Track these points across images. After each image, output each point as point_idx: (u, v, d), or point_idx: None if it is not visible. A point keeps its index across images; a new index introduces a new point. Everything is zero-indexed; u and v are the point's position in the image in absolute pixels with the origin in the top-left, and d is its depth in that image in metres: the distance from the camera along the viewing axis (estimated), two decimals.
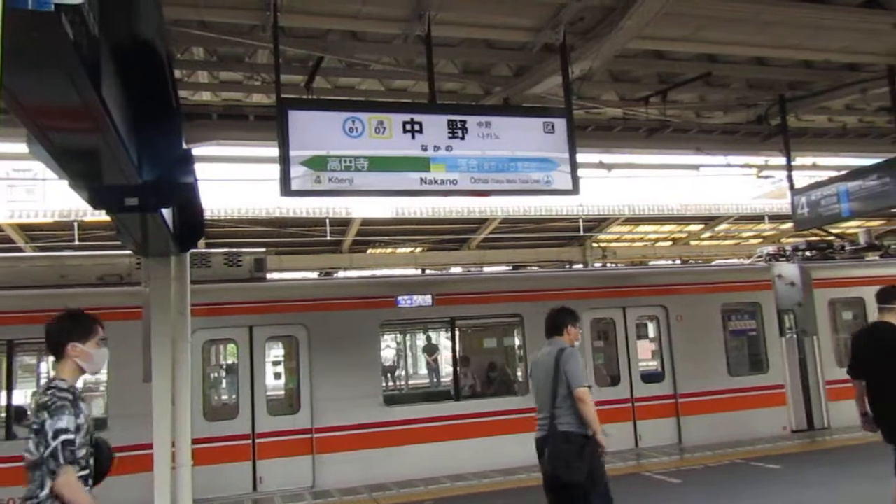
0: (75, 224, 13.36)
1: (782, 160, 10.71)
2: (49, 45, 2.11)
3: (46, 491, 3.03)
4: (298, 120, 6.02)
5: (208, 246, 13.62)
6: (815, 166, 13.07)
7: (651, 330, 12.23)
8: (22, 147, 8.64)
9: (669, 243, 20.29)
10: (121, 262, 9.63)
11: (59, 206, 13.36)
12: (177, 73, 7.77)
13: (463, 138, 6.44)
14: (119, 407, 8.80)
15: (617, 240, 19.41)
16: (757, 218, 18.52)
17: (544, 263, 18.45)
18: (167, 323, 6.25)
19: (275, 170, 6.17)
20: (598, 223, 17.67)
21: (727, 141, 11.44)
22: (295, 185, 5.95)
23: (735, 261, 14.35)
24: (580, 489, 4.90)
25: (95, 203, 4.15)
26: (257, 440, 9.41)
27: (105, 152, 3.39)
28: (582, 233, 17.60)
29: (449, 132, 6.41)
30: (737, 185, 33.52)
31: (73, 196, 4.20)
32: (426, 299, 10.48)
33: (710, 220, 18.48)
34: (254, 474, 9.30)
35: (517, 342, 11.56)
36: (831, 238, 14.12)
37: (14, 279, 9.28)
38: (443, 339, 11.12)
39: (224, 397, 10.72)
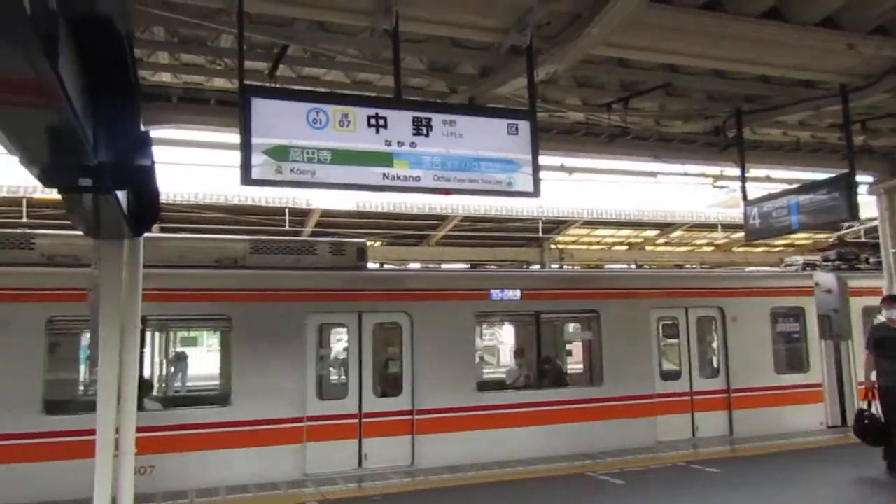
0: (24, 201, 12.97)
1: (737, 171, 10.98)
2: (5, 17, 2.05)
3: None
4: (261, 108, 5.94)
5: (162, 230, 13.34)
6: (768, 178, 13.42)
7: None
8: None
9: (625, 248, 20.64)
10: (236, 247, 10.07)
11: (8, 182, 12.95)
12: (137, 53, 7.59)
13: (427, 136, 6.44)
14: (241, 384, 9.32)
15: (574, 242, 19.65)
16: (710, 226, 18.97)
17: (502, 263, 18.58)
18: (116, 308, 6.11)
19: (235, 156, 6.08)
20: (557, 225, 17.86)
21: (685, 150, 11.68)
22: (255, 174, 5.87)
23: (777, 269, 15.24)
24: None
25: (47, 181, 4.04)
26: (364, 420, 9.80)
27: (59, 130, 3.30)
28: (541, 234, 17.77)
29: (414, 129, 6.40)
30: (692, 194, 34.26)
31: (24, 172, 4.08)
32: (516, 293, 10.97)
33: (665, 227, 18.84)
34: (359, 451, 9.69)
35: (594, 336, 11.98)
36: (856, 250, 14.85)
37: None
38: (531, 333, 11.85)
39: (335, 378, 11.07)
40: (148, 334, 10.45)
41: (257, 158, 5.87)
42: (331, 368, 11.27)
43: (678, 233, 19.38)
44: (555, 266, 18.47)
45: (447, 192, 6.85)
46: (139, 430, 8.57)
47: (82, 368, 10.98)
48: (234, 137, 6.44)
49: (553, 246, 19.05)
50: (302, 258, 10.13)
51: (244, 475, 8.96)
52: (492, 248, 18.51)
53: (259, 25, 7.34)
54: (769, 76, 9.32)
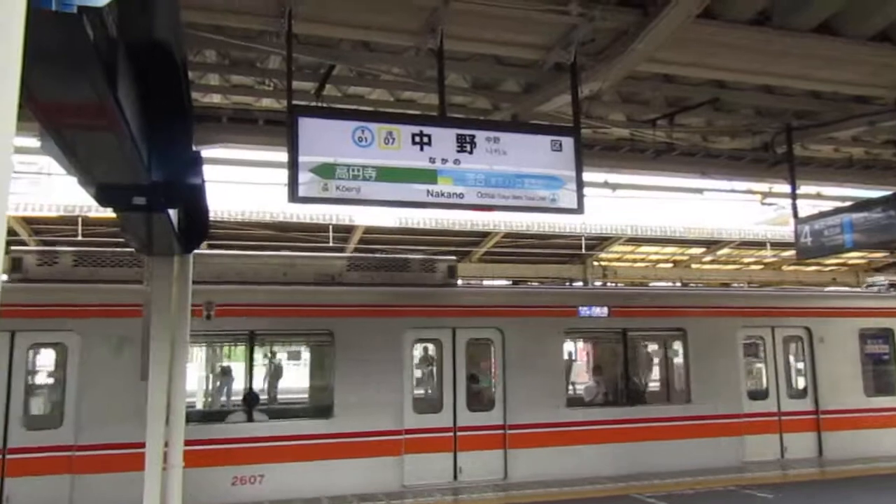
0: (79, 219, 13.38)
1: (787, 188, 10.73)
2: (69, 45, 2.14)
3: None
4: (308, 127, 6.06)
5: (210, 247, 13.61)
6: (819, 196, 13.08)
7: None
8: (29, 141, 8.70)
9: (670, 265, 20.28)
10: (334, 264, 10.50)
11: (65, 201, 13.36)
12: (189, 76, 7.80)
13: (471, 152, 6.46)
14: (343, 397, 9.58)
15: (618, 259, 19.40)
16: (759, 244, 18.52)
17: (544, 280, 18.42)
18: (167, 323, 6.24)
19: (281, 174, 6.20)
20: (600, 242, 17.65)
21: (733, 166, 11.45)
22: (302, 192, 5.97)
23: (862, 289, 15.04)
24: None
25: (103, 201, 4.17)
26: (458, 433, 10.01)
27: (117, 151, 3.41)
28: (584, 251, 17.59)
29: (457, 146, 6.44)
30: (739, 210, 33.48)
31: (79, 191, 4.21)
32: (603, 311, 11.08)
33: (712, 244, 18.47)
34: (454, 465, 9.87)
35: (681, 354, 12.08)
36: None
37: (247, 275, 9.84)
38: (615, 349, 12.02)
39: (429, 392, 11.31)
40: (257, 348, 10.79)
41: (304, 176, 5.98)
42: (426, 383, 11.45)
43: (725, 250, 18.96)
44: (598, 283, 18.25)
45: (490, 208, 6.87)
46: (250, 440, 8.95)
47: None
48: (282, 156, 6.56)
49: (596, 263, 18.83)
50: (395, 275, 10.44)
51: (347, 485, 9.19)
52: (534, 264, 18.39)
53: (306, 46, 7.48)
54: (820, 92, 9.11)
